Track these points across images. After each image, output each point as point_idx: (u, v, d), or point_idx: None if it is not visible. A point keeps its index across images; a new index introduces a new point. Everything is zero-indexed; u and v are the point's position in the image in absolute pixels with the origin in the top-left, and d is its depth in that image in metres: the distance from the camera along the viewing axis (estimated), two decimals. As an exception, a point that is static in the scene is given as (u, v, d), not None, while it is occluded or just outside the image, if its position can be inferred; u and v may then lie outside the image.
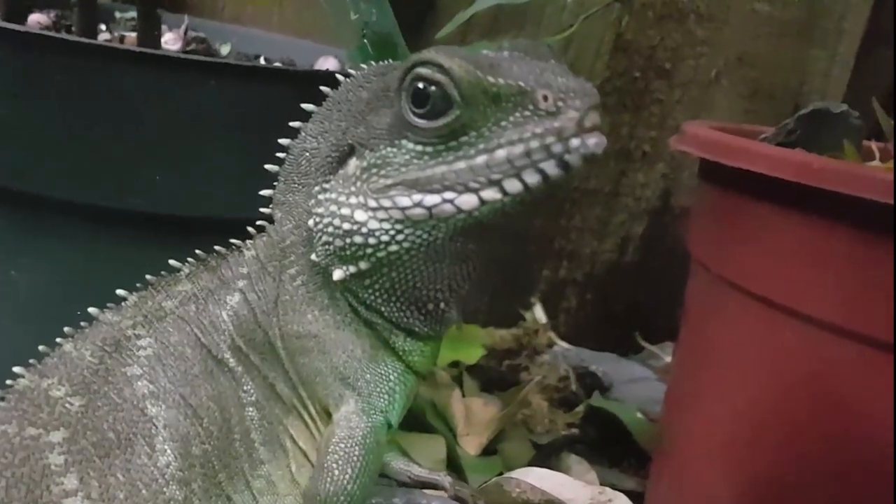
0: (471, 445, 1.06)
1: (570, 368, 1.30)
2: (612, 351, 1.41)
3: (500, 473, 0.96)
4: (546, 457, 1.08)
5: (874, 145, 0.92)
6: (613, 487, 0.95)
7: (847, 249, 0.68)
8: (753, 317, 0.78)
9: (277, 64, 1.10)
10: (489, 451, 1.07)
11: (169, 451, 0.67)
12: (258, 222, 0.73)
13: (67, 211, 0.87)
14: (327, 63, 0.97)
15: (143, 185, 0.85)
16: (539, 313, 1.46)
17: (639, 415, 1.16)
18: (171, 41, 0.94)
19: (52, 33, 0.81)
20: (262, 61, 1.15)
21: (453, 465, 1.01)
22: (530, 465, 1.01)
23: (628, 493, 0.93)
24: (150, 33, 0.91)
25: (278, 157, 0.71)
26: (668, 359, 1.38)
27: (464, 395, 1.14)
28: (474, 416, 1.09)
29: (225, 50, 1.03)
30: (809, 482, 0.73)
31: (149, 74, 0.82)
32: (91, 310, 0.71)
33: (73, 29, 0.93)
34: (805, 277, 0.71)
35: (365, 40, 0.81)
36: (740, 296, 0.79)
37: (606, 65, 1.36)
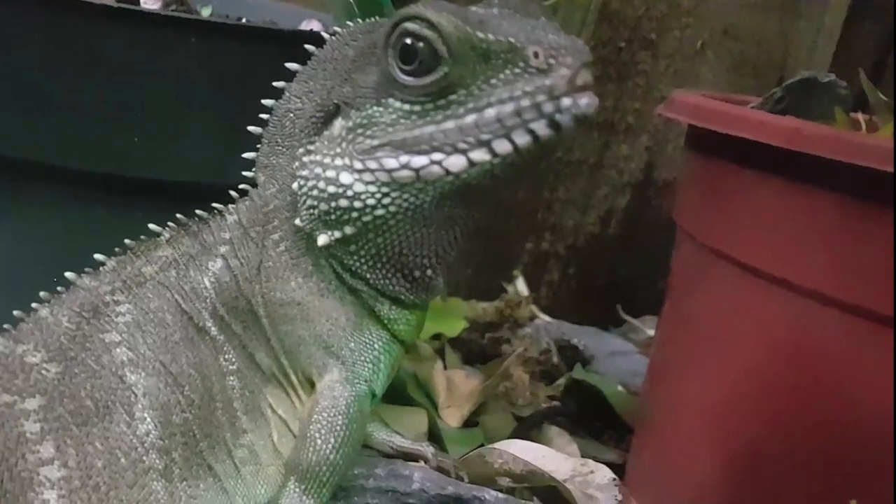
0: (452, 418, 1.05)
1: (552, 341, 1.30)
2: (594, 324, 1.40)
3: (481, 445, 0.95)
4: (527, 429, 1.07)
5: (860, 116, 0.91)
6: (594, 459, 0.94)
7: (838, 218, 0.67)
8: (740, 287, 0.77)
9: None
10: (470, 423, 1.06)
11: (149, 420, 0.65)
12: (241, 186, 0.71)
13: (41, 175, 0.84)
14: (311, 26, 0.95)
15: (120, 147, 0.83)
16: (521, 286, 1.45)
17: (619, 388, 1.16)
18: (150, 1, 0.91)
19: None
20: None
21: (434, 437, 1.00)
22: (511, 437, 1.00)
23: (609, 465, 0.92)
24: (128, -8, 0.88)
25: (262, 119, 0.70)
26: (650, 332, 1.38)
27: (445, 368, 1.13)
28: (456, 388, 1.08)
29: (206, 12, 1.00)
30: (795, 456, 0.72)
31: (127, 32, 0.79)
32: (68, 274, 0.69)
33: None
34: (794, 246, 0.71)
35: (351, 0, 0.80)
36: (727, 265, 0.78)
37: (591, 35, 1.35)
